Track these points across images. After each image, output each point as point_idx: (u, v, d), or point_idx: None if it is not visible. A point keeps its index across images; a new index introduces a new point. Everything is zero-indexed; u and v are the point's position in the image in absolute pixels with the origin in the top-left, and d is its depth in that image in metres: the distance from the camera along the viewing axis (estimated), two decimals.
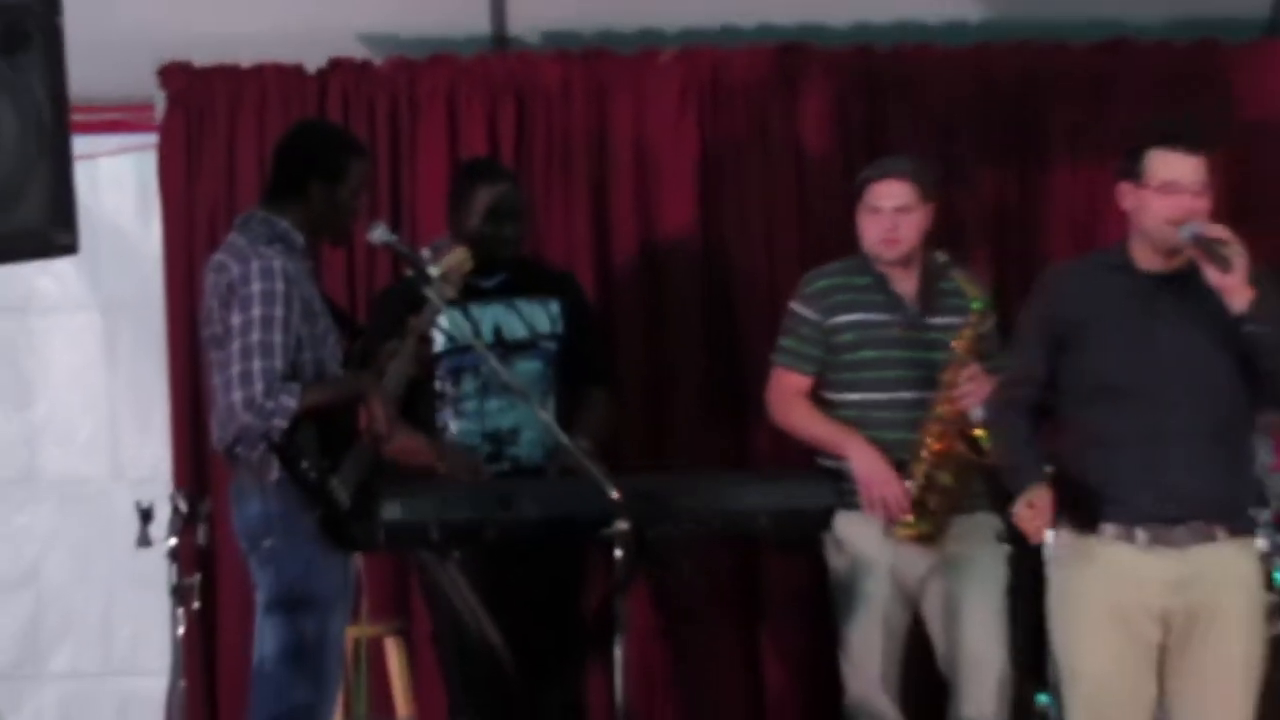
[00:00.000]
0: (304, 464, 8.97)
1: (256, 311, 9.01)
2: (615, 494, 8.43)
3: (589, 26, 11.20)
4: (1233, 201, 9.71)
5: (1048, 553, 8.73)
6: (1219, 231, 8.17)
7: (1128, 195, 8.42)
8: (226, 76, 10.80)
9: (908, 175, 9.88)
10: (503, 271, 10.01)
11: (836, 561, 9.94)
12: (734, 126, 11.11)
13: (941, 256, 9.84)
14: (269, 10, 10.58)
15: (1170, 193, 8.25)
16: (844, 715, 10.06)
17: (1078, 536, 8.44)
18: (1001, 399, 9.01)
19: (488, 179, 10.09)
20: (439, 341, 9.84)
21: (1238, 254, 8.04)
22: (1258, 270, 8.33)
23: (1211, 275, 7.99)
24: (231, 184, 10.55)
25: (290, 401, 8.93)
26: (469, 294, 9.64)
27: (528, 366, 9.95)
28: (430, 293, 9.18)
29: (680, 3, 11.08)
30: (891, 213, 9.80)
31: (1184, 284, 8.29)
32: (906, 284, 9.86)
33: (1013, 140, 11.23)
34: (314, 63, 10.97)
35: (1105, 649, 8.31)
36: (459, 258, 9.28)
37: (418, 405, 9.83)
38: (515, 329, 9.96)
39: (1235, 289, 7.97)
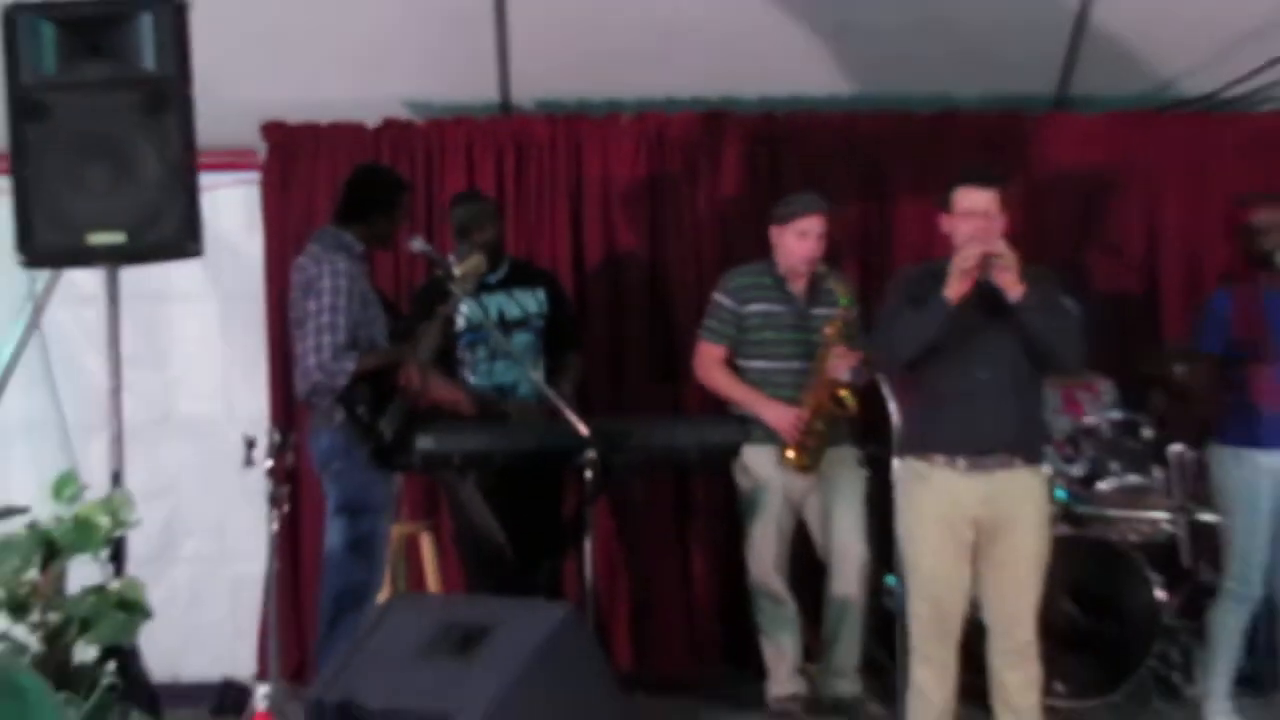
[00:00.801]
0: (359, 410, 9.17)
1: (326, 301, 9.20)
2: (585, 431, 8.63)
3: (570, 97, 11.06)
4: (1029, 231, 9.70)
5: (895, 475, 8.67)
6: (998, 247, 8.21)
7: (945, 222, 8.59)
8: (309, 131, 10.77)
9: (824, 211, 9.89)
10: (504, 269, 10.09)
11: (743, 482, 10.03)
12: (673, 171, 11.09)
13: (822, 267, 9.81)
14: (339, 83, 10.49)
15: (968, 217, 8.36)
16: (749, 591, 10.07)
17: (916, 463, 8.48)
18: (878, 359, 9.04)
19: (463, 201, 10.33)
20: (460, 322, 9.90)
21: (1009, 261, 8.12)
22: (1035, 270, 8.50)
23: (994, 277, 8.11)
24: (311, 208, 10.51)
25: (349, 365, 9.11)
26: (480, 288, 9.75)
27: (522, 339, 10.09)
28: (454, 288, 9.32)
29: (635, 80, 10.88)
30: (815, 238, 9.83)
31: (986, 284, 8.28)
32: (798, 285, 9.94)
33: (872, 183, 11.16)
34: (372, 121, 10.88)
35: (934, 545, 8.39)
36: (475, 262, 9.41)
37: (450, 368, 9.84)
38: (513, 311, 10.08)
39: (1010, 285, 8.13)
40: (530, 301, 10.22)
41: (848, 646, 9.85)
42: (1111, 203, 11.25)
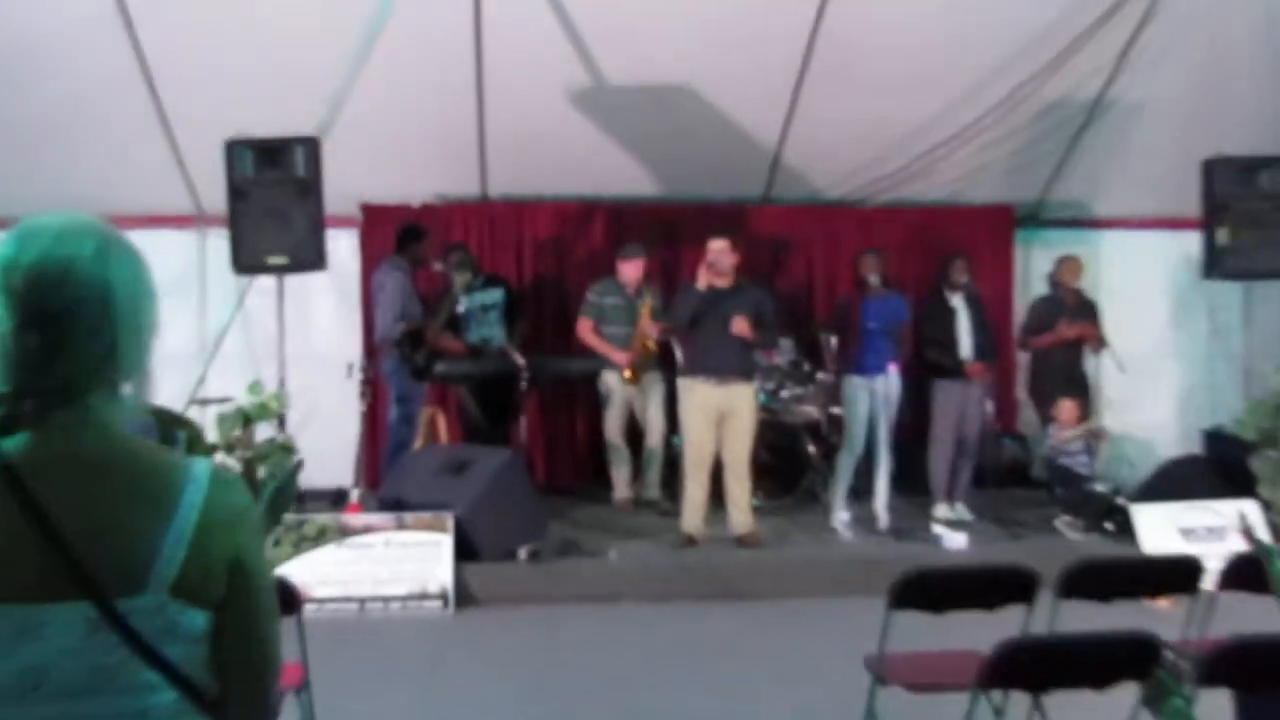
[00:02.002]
0: (404, 349, 9.50)
1: (387, 295, 9.60)
2: (522, 362, 8.91)
3: (516, 192, 10.81)
4: (747, 263, 9.46)
5: (679, 386, 8.88)
6: (725, 262, 8.62)
7: (706, 255, 8.66)
8: (382, 208, 10.57)
9: (642, 254, 9.99)
10: (481, 279, 10.00)
11: (602, 389, 10.07)
12: (570, 232, 10.97)
13: (642, 281, 9.88)
14: (398, 183, 10.37)
15: (711, 256, 8.57)
16: (605, 442, 10.14)
17: (689, 380, 8.71)
18: (672, 327, 9.20)
19: (457, 249, 10.07)
20: (461, 307, 9.88)
21: (727, 264, 8.53)
22: (749, 283, 8.94)
23: (733, 326, 8.35)
24: (382, 247, 10.15)
25: (399, 328, 9.41)
26: (470, 289, 9.80)
27: (492, 315, 10.07)
28: (455, 290, 9.62)
29: (552, 184, 10.79)
30: (637, 266, 9.93)
31: (731, 291, 8.54)
32: (629, 289, 9.91)
33: (669, 239, 10.89)
34: (415, 203, 10.66)
35: (697, 422, 8.62)
36: (465, 278, 9.58)
37: (455, 330, 9.81)
38: (487, 300, 10.07)
39: (743, 330, 8.41)
40: (496, 295, 10.15)
41: (654, 473, 10.06)
42: (790, 253, 11.24)
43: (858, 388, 9.31)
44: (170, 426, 2.56)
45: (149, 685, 1.77)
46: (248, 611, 1.86)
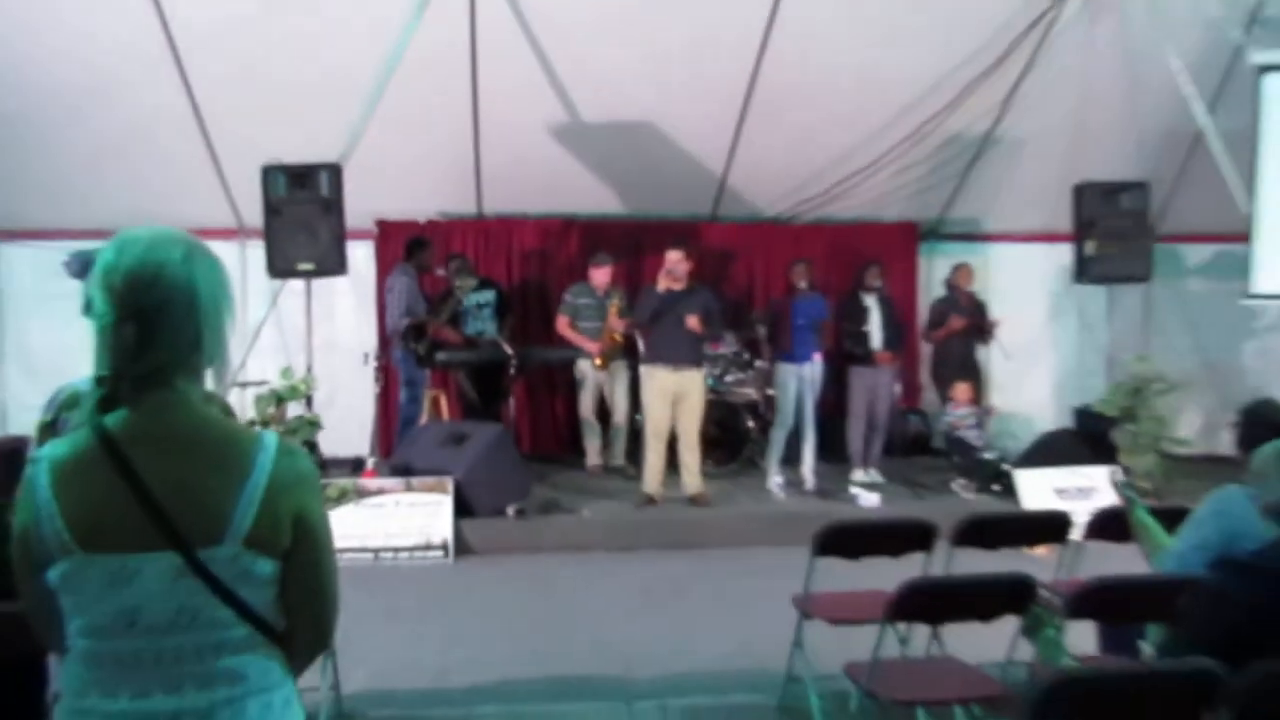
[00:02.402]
0: (411, 342, 9.26)
1: (396, 295, 9.45)
2: (510, 351, 8.85)
3: (506, 210, 10.76)
4: (699, 271, 9.31)
5: (641, 372, 8.83)
6: (681, 269, 8.56)
7: (665, 263, 8.61)
8: (394, 224, 10.44)
9: (611, 262, 9.93)
10: (477, 281, 9.84)
11: (577, 374, 10.01)
12: (551, 243, 10.85)
13: (610, 283, 9.84)
14: (407, 201, 10.30)
15: (668, 264, 8.54)
16: (579, 418, 10.11)
17: (650, 368, 8.61)
18: (635, 322, 9.03)
19: (456, 258, 9.89)
20: (465, 305, 9.80)
21: (683, 271, 8.52)
22: (699, 285, 8.82)
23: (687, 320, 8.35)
24: (394, 255, 10.03)
25: (405, 322, 9.30)
26: (470, 290, 9.66)
27: (485, 312, 9.97)
28: (457, 291, 9.49)
29: (536, 203, 10.74)
30: (605, 272, 9.86)
31: (685, 293, 8.47)
32: (599, 291, 9.83)
33: (634, 249, 10.72)
34: (421, 219, 10.51)
35: (657, 402, 8.53)
36: (466, 281, 9.49)
37: (456, 324, 9.68)
38: (481, 300, 9.95)
39: (695, 326, 8.42)
40: (489, 295, 10.05)
41: (620, 444, 10.04)
42: (733, 262, 11.18)
43: (788, 373, 9.33)
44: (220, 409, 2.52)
45: (225, 622, 1.81)
46: (310, 560, 1.90)
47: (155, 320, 1.81)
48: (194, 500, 1.79)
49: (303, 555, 1.87)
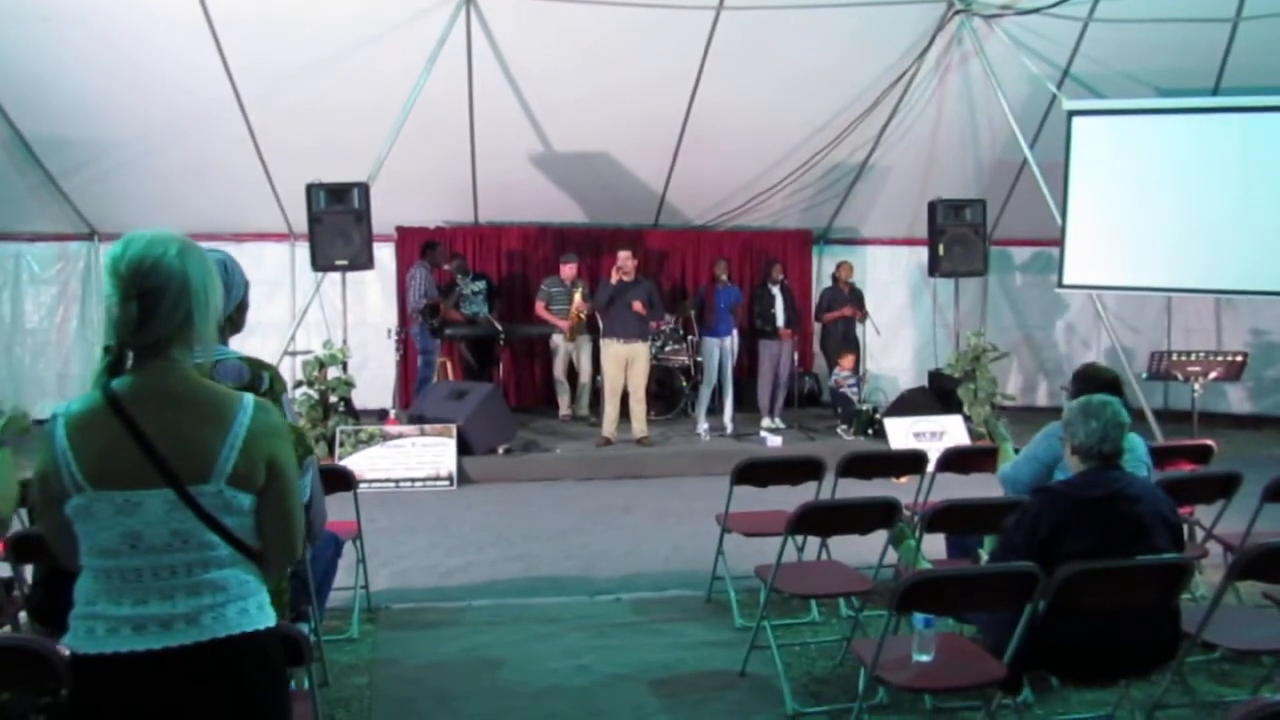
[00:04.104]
0: (427, 318, 9.11)
1: (415, 284, 9.21)
2: (500, 328, 8.76)
3: (502, 221, 10.59)
4: (643, 267, 9.52)
5: (601, 344, 8.66)
6: (629, 266, 8.40)
7: (616, 261, 8.46)
8: (411, 230, 10.28)
9: (576, 260, 9.81)
10: (472, 273, 9.82)
11: (551, 345, 9.85)
12: (530, 244, 10.67)
13: (576, 276, 9.70)
14: (419, 212, 10.21)
15: (619, 262, 8.38)
16: (553, 379, 9.98)
17: (608, 340, 8.43)
18: (595, 305, 9.00)
19: (456, 257, 9.86)
20: (463, 292, 9.67)
21: (630, 267, 8.39)
22: (645, 278, 8.73)
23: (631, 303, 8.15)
24: (412, 254, 9.88)
25: (424, 303, 9.06)
26: (469, 279, 9.64)
27: (479, 299, 9.83)
28: (459, 282, 9.40)
29: (520, 212, 10.60)
30: (571, 268, 9.69)
31: (632, 284, 8.32)
32: (566, 281, 9.63)
33: (594, 249, 10.57)
34: (432, 226, 10.33)
35: (612, 368, 8.39)
36: (465, 275, 9.39)
37: (459, 306, 9.58)
38: (476, 288, 9.82)
39: (640, 310, 8.26)
40: (481, 285, 9.94)
41: (584, 398, 9.91)
42: (670, 260, 11.04)
43: (711, 345, 9.31)
44: (258, 369, 2.52)
45: (211, 544, 1.79)
46: (280, 494, 1.85)
47: (153, 300, 1.76)
48: (186, 447, 1.75)
49: (274, 490, 1.83)
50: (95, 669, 1.75)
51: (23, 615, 3.56)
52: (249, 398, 1.84)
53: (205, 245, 1.96)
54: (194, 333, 1.82)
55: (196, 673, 1.76)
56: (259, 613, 1.84)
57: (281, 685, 1.90)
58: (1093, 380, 3.79)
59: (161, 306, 1.77)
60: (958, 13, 8.73)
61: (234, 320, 2.58)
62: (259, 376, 2.46)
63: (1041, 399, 11.07)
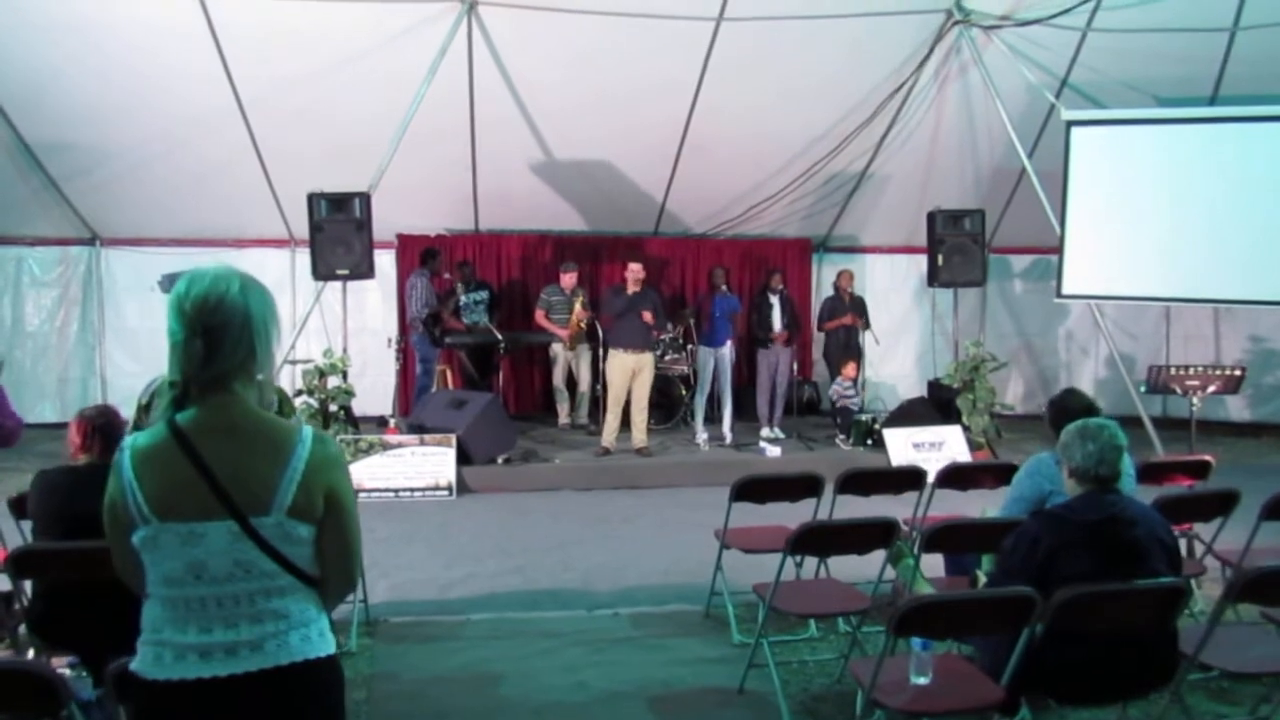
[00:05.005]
0: (428, 326, 9.10)
1: (416, 293, 9.25)
2: (499, 336, 8.73)
3: (498, 227, 10.56)
4: (649, 278, 9.47)
5: (604, 353, 8.67)
6: (639, 274, 8.40)
7: (625, 272, 8.56)
8: (412, 237, 10.28)
9: (576, 269, 9.80)
10: (475, 282, 9.82)
11: (551, 353, 9.87)
12: (531, 251, 10.62)
13: (576, 284, 9.67)
14: (419, 221, 10.20)
15: (632, 273, 8.43)
16: (552, 387, 9.98)
17: (613, 350, 8.45)
18: (611, 312, 8.93)
19: (463, 265, 9.93)
20: (462, 301, 9.71)
21: (640, 275, 8.46)
22: (650, 287, 8.45)
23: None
24: (412, 261, 9.96)
25: (424, 312, 9.10)
26: (468, 289, 9.67)
27: (480, 307, 9.82)
28: (458, 289, 9.42)
29: (520, 221, 10.57)
30: (571, 276, 9.65)
31: (640, 294, 8.38)
32: (567, 290, 9.63)
33: (596, 258, 10.68)
34: (432, 234, 10.32)
35: (617, 379, 8.40)
36: (465, 283, 9.39)
37: (458, 315, 9.58)
38: (478, 297, 9.83)
39: (649, 319, 8.28)
40: (483, 293, 9.93)
41: (584, 407, 9.88)
42: (670, 268, 10.95)
43: (707, 354, 9.32)
44: None
45: (272, 573, 1.83)
46: (339, 525, 1.89)
47: (217, 337, 1.81)
48: (247, 480, 1.80)
49: (333, 521, 1.87)
50: (165, 694, 1.79)
51: (22, 629, 3.58)
52: (308, 430, 1.88)
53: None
54: (256, 366, 1.87)
55: (262, 698, 1.81)
56: (320, 640, 1.89)
57: (340, 710, 1.95)
58: (1068, 411, 3.76)
59: (225, 342, 1.82)
60: (956, 23, 8.74)
61: None
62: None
63: (1041, 406, 11.01)
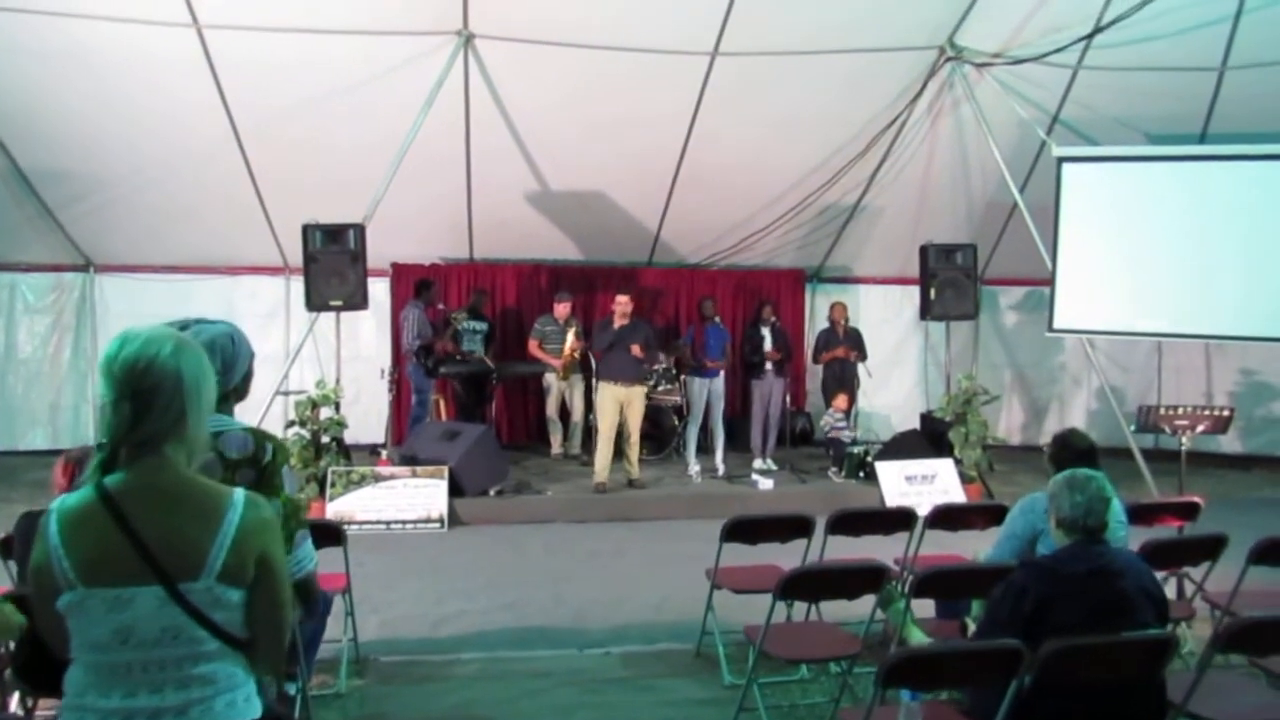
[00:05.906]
0: (421, 357, 9.09)
1: (410, 324, 9.22)
2: (493, 366, 8.72)
3: (497, 258, 10.61)
4: (638, 310, 9.22)
5: (595, 385, 8.65)
6: (628, 308, 8.40)
7: (613, 304, 8.51)
8: (406, 266, 10.32)
9: (569, 298, 9.82)
10: (473, 313, 9.80)
11: (544, 383, 9.85)
12: (525, 280, 10.65)
13: (569, 314, 9.72)
14: (416, 248, 10.24)
15: (619, 306, 8.39)
16: (545, 418, 9.99)
17: (603, 383, 8.37)
18: (600, 347, 8.92)
19: (484, 294, 10.09)
20: (462, 328, 9.64)
21: (628, 308, 8.40)
22: (640, 319, 8.48)
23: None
24: (407, 291, 9.96)
25: (417, 343, 9.12)
26: (470, 318, 9.67)
27: (478, 338, 9.80)
28: (454, 320, 9.41)
29: (515, 250, 10.59)
30: (565, 306, 9.69)
31: (630, 327, 8.33)
32: (560, 320, 9.67)
33: (589, 287, 10.67)
34: (426, 263, 10.39)
35: (609, 409, 8.33)
36: (461, 314, 9.44)
37: (456, 343, 9.54)
38: (477, 327, 9.80)
39: (638, 352, 8.24)
40: (483, 325, 9.89)
41: (576, 438, 9.90)
42: (663, 298, 10.99)
43: (700, 385, 9.28)
44: (261, 440, 2.55)
45: (201, 638, 1.80)
46: (270, 589, 1.87)
47: (147, 400, 1.79)
48: (176, 544, 1.77)
49: (264, 586, 1.85)
50: None
51: (7, 673, 3.54)
52: (239, 494, 1.86)
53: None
54: (187, 429, 1.84)
55: None
56: (246, 705, 1.86)
57: None
58: (1069, 447, 3.87)
59: (155, 406, 1.79)
60: (949, 60, 8.82)
61: (239, 390, 2.61)
62: (262, 447, 2.48)
63: (1033, 437, 11.07)
